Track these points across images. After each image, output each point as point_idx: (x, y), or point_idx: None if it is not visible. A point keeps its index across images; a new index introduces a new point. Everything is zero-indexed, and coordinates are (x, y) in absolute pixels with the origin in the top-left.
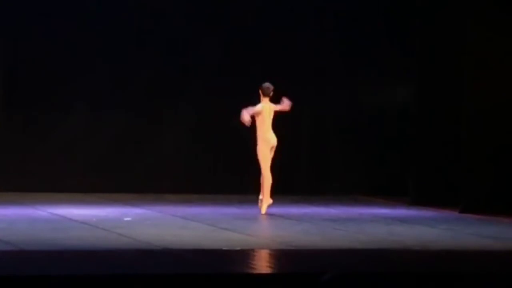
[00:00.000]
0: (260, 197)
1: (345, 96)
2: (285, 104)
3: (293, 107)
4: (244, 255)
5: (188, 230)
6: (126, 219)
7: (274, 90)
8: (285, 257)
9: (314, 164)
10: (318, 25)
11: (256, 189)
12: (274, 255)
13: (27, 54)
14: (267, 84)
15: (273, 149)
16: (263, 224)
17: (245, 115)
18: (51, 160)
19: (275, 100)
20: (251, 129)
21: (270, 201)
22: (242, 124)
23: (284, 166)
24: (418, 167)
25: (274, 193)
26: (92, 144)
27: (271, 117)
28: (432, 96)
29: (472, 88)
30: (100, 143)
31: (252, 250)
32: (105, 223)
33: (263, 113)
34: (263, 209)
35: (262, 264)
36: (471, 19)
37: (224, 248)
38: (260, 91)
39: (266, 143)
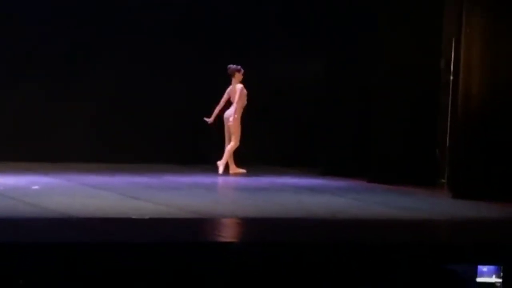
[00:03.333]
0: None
1: (257, 69)
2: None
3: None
4: (152, 224)
5: (97, 199)
6: (34, 187)
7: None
8: (193, 226)
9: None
10: None
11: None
12: (183, 224)
13: None
14: (228, 65)
15: (228, 126)
16: (173, 193)
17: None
18: None
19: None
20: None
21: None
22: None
23: (197, 136)
24: (328, 138)
25: (187, 163)
26: (3, 112)
27: (232, 96)
28: (342, 69)
29: (382, 60)
30: (12, 111)
31: (161, 219)
32: (12, 191)
33: (226, 93)
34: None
35: (171, 233)
36: None
37: (133, 217)
38: None
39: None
